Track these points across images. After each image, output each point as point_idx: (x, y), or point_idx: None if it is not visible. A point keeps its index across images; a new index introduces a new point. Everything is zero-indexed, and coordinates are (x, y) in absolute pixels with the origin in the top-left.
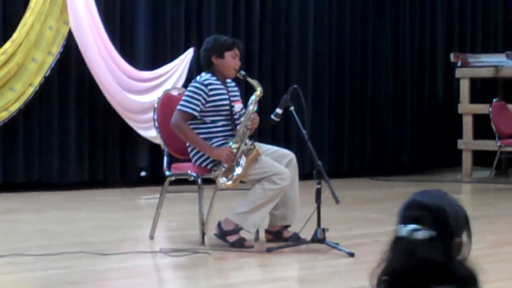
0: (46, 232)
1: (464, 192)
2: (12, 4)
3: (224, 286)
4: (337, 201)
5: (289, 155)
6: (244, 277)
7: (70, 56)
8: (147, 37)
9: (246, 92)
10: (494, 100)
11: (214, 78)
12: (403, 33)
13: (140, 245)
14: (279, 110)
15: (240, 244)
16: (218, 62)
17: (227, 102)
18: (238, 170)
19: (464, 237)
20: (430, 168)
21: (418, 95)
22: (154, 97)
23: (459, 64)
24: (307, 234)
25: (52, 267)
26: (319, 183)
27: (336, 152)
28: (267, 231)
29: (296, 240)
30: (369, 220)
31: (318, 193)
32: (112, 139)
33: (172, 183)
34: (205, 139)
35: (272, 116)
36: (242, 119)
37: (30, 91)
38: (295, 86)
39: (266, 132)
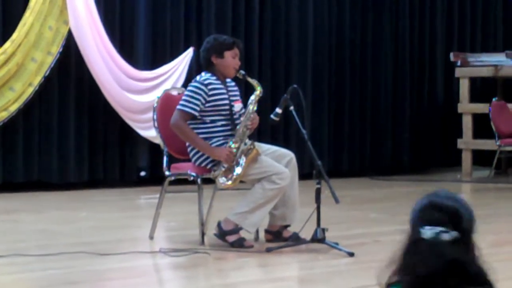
0: (45, 232)
1: (464, 191)
2: (11, 4)
3: (224, 286)
4: (336, 201)
5: (288, 154)
6: (243, 277)
7: (70, 56)
8: (147, 37)
9: (245, 91)
10: (493, 99)
11: (214, 77)
12: (402, 32)
13: (139, 245)
14: (278, 110)
15: (239, 244)
16: (218, 62)
17: (227, 101)
18: (238, 170)
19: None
20: (430, 167)
21: (418, 95)
22: (153, 97)
23: (458, 63)
24: (306, 234)
25: (52, 267)
26: (318, 183)
27: (335, 151)
28: (266, 231)
29: (295, 240)
30: (368, 219)
31: (318, 192)
32: (112, 139)
33: (172, 183)
34: (205, 139)
35: (272, 116)
36: (242, 118)
37: (30, 91)
38: (295, 85)
39: (265, 131)
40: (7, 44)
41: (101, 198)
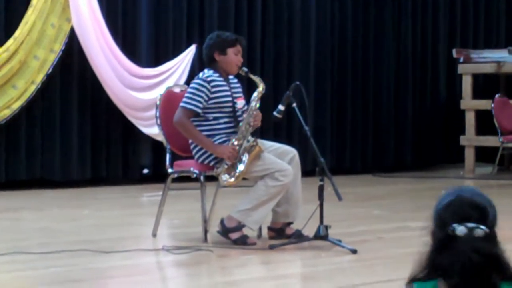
0: (48, 230)
1: None
2: (14, 1)
3: (227, 284)
4: (339, 198)
5: (291, 152)
6: (247, 274)
7: (72, 54)
8: (149, 34)
9: (248, 88)
10: (496, 95)
11: (217, 74)
12: (405, 29)
13: (142, 243)
14: (281, 107)
15: (242, 241)
16: (221, 59)
17: (229, 98)
18: (241, 167)
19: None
20: (433, 164)
21: (420, 91)
22: (156, 94)
23: (461, 60)
24: (309, 231)
25: (54, 265)
26: (321, 180)
27: (338, 149)
28: (269, 228)
29: (298, 237)
30: (371, 216)
31: (321, 190)
32: (114, 136)
33: (175, 180)
34: (208, 136)
35: (275, 113)
36: (244, 115)
37: (32, 88)
38: (297, 82)
39: (268, 129)
40: (10, 41)
41: (104, 195)
